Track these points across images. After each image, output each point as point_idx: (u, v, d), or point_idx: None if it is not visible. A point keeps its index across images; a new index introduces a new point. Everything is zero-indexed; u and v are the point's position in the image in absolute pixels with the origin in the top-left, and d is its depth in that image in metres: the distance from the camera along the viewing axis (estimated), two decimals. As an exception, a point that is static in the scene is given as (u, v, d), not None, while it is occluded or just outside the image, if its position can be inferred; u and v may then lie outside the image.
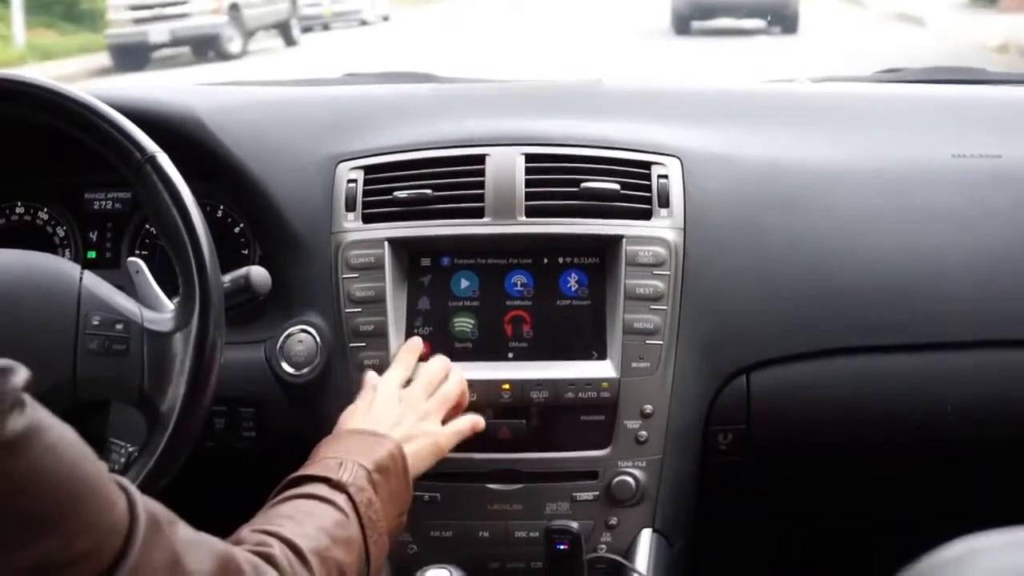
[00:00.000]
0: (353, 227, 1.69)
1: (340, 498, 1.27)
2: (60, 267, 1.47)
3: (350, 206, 1.71)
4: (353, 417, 1.48)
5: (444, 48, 15.12)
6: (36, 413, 0.83)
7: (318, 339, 1.67)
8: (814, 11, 16.52)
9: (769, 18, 16.97)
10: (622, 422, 1.62)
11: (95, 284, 1.45)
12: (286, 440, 1.65)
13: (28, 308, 1.41)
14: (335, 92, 2.09)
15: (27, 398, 0.83)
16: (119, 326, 1.42)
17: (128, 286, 1.47)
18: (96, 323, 1.41)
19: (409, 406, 1.50)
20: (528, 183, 1.69)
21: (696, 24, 17.26)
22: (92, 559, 0.85)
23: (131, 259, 1.48)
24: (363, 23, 22.52)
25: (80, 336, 1.41)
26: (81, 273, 1.45)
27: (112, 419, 1.49)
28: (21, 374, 0.83)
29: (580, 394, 1.61)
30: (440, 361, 1.60)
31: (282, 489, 1.30)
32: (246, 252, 1.83)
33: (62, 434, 0.86)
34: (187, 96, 1.84)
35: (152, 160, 1.37)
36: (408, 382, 1.56)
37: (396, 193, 1.70)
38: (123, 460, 1.44)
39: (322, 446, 1.40)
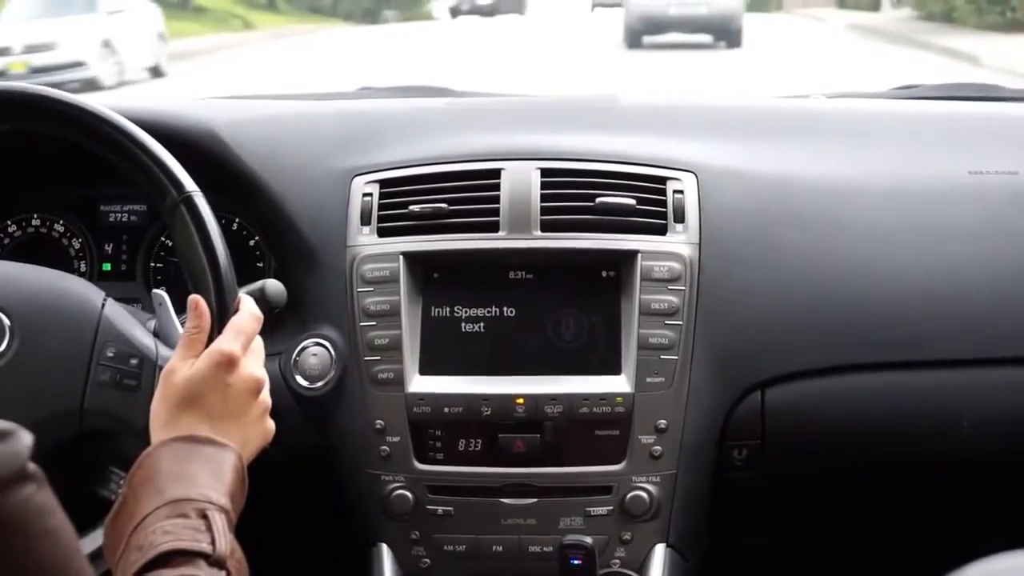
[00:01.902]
0: (368, 241, 1.70)
1: None
2: (83, 292, 1.47)
3: (365, 220, 1.71)
4: (178, 411, 1.26)
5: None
6: (44, 493, 0.82)
7: (332, 352, 1.67)
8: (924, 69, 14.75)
9: (716, 35, 18.28)
10: (636, 437, 1.62)
11: (116, 315, 1.44)
12: (300, 452, 1.66)
13: (45, 331, 1.41)
14: (350, 106, 2.09)
15: (38, 473, 0.81)
16: (133, 361, 1.41)
17: (144, 300, 1.47)
18: (111, 355, 1.41)
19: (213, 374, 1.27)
20: (543, 198, 1.69)
21: (647, 39, 18.29)
22: None
23: (156, 291, 1.47)
24: (93, 84, 14.78)
25: (93, 366, 1.41)
26: (104, 301, 1.45)
27: (114, 448, 1.48)
28: (24, 439, 0.81)
29: (594, 409, 1.61)
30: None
31: (153, 565, 1.09)
32: (261, 265, 1.83)
33: (62, 522, 0.84)
34: (203, 109, 1.85)
35: (188, 200, 1.36)
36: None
37: (411, 207, 1.70)
38: (120, 491, 1.44)
39: (161, 467, 1.19)
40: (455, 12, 33.37)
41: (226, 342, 1.29)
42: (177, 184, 1.36)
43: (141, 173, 1.37)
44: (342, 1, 34.19)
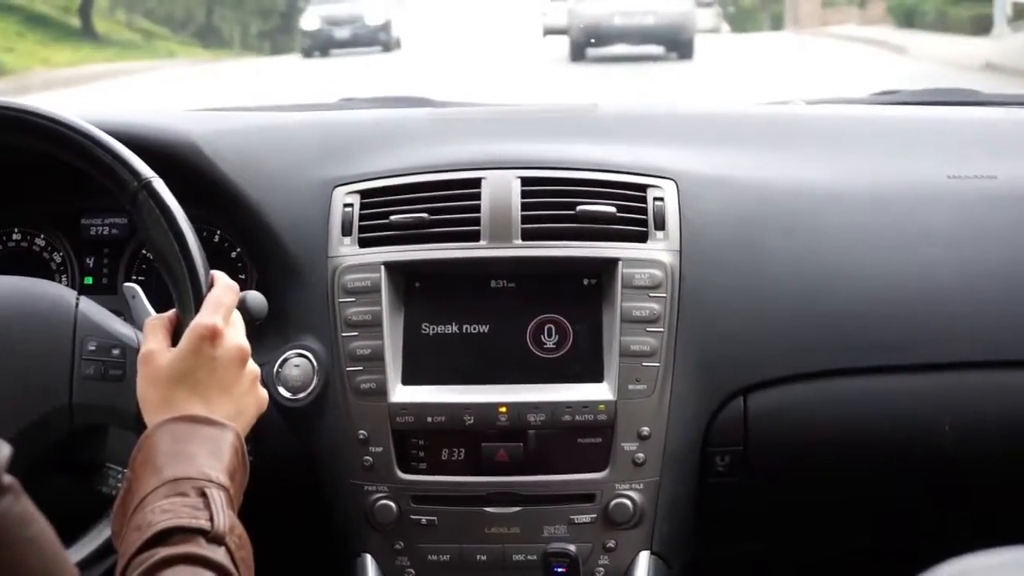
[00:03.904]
0: (349, 251, 1.70)
1: (219, 553, 1.11)
2: (57, 293, 1.48)
3: (346, 230, 1.71)
4: (169, 391, 1.26)
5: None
6: (23, 503, 0.82)
7: (314, 363, 1.67)
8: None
9: (667, 45, 17.06)
10: (619, 444, 1.62)
11: (91, 310, 1.45)
12: (283, 463, 1.65)
13: (24, 334, 1.42)
14: (331, 117, 2.09)
15: (15, 484, 0.81)
16: (115, 351, 1.42)
17: (125, 312, 1.48)
18: (92, 348, 1.42)
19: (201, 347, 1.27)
20: (524, 206, 1.69)
21: (591, 51, 17.24)
22: None
23: (127, 284, 1.48)
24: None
25: (76, 362, 1.41)
26: (77, 299, 1.46)
27: (109, 444, 1.49)
28: (3, 451, 0.81)
29: (577, 417, 1.61)
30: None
31: (152, 544, 1.10)
32: (243, 277, 1.83)
33: (43, 529, 0.85)
34: (183, 121, 1.85)
35: (148, 186, 1.36)
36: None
37: (392, 217, 1.70)
38: (119, 485, 1.44)
39: (160, 447, 1.19)
40: (316, 46, 20.87)
41: (206, 316, 1.29)
42: (135, 172, 1.37)
43: (97, 167, 1.38)
44: (226, 26, 25.00)
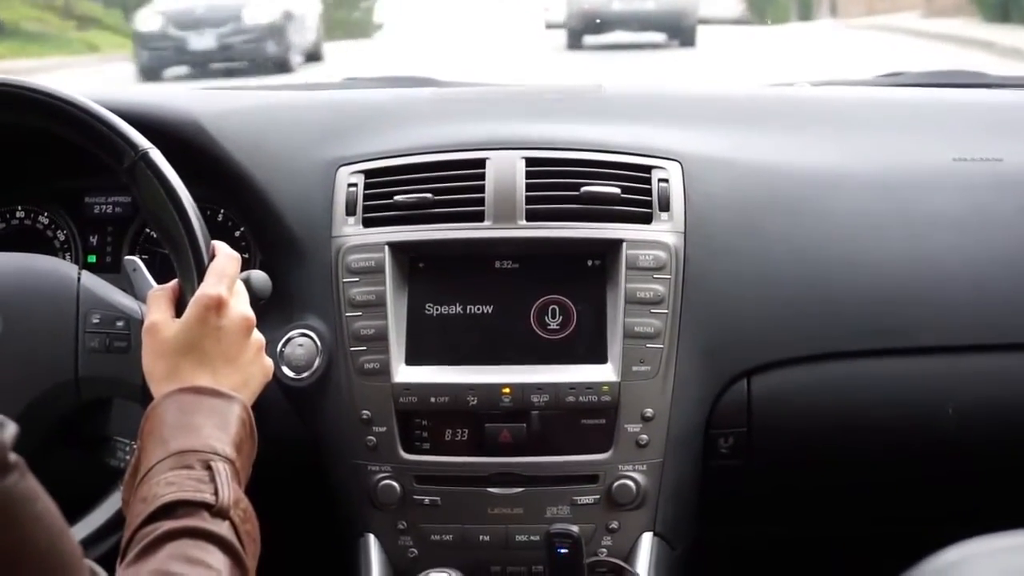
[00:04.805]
0: (353, 231, 1.69)
1: (223, 527, 1.11)
2: (58, 268, 1.49)
3: (350, 210, 1.71)
4: (176, 360, 1.26)
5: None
6: (28, 480, 0.82)
7: (318, 343, 1.68)
8: None
9: (668, 32, 16.16)
10: (623, 426, 1.62)
11: (93, 283, 1.46)
12: (287, 443, 1.65)
13: (27, 310, 1.42)
14: (335, 96, 2.09)
15: (20, 462, 0.82)
16: (119, 323, 1.43)
17: (128, 288, 1.48)
18: (96, 321, 1.43)
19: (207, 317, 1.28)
20: (528, 187, 1.69)
21: (589, 39, 16.39)
22: None
23: (128, 257, 1.48)
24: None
25: (81, 335, 1.42)
26: (79, 273, 1.46)
27: (115, 416, 1.50)
28: (9, 429, 0.81)
29: (581, 398, 1.61)
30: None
31: (156, 517, 1.10)
32: (247, 256, 1.83)
33: (48, 506, 0.85)
34: (186, 100, 1.85)
35: (145, 157, 1.36)
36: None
37: (396, 197, 1.70)
38: (128, 458, 1.45)
39: (166, 419, 1.19)
40: (162, 61, 13.12)
41: (211, 286, 1.30)
42: (132, 144, 1.37)
43: (93, 140, 1.38)
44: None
